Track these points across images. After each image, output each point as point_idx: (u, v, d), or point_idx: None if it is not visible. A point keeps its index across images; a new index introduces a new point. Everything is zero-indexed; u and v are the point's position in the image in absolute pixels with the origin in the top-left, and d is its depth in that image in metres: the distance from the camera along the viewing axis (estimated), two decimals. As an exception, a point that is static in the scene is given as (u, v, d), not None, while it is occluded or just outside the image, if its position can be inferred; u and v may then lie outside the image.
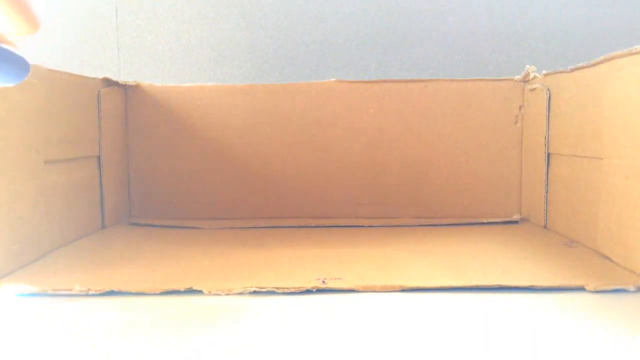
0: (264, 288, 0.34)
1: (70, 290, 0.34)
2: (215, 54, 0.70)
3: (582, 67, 0.42)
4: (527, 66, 0.53)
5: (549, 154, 0.49)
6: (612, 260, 0.38)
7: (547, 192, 0.50)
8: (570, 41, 0.69)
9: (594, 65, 0.40)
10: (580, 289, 0.34)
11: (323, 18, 0.70)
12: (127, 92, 0.56)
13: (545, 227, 0.50)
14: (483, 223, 0.54)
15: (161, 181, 0.57)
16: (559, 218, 0.48)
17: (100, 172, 0.51)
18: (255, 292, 0.34)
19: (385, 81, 0.56)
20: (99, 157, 0.51)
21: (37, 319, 0.31)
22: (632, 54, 0.35)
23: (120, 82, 0.54)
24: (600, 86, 0.39)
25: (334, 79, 0.56)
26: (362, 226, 0.54)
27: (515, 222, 0.54)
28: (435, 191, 0.56)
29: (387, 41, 0.69)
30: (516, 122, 0.55)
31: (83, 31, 0.69)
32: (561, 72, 0.46)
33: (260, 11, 0.70)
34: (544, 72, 0.51)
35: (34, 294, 0.34)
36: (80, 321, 0.30)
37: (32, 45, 0.69)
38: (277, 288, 0.34)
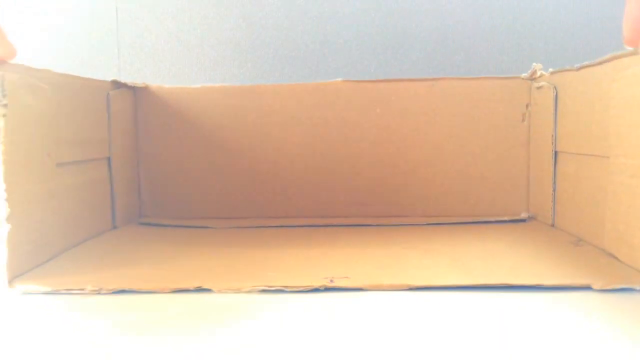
0: (273, 287, 0.35)
1: (83, 290, 0.35)
2: (216, 54, 0.70)
3: (589, 66, 0.42)
4: (534, 64, 0.53)
5: (556, 152, 0.50)
6: (618, 259, 0.38)
7: (554, 190, 0.50)
8: (570, 40, 0.69)
9: (600, 63, 0.40)
10: (587, 287, 0.34)
11: (323, 18, 0.70)
12: (136, 94, 0.57)
13: (552, 225, 0.51)
14: (490, 222, 0.54)
15: (170, 181, 0.58)
16: (566, 216, 0.48)
17: (110, 174, 0.52)
18: (264, 291, 0.35)
19: (391, 80, 0.56)
20: (109, 159, 0.52)
21: (49, 319, 0.31)
22: (637, 53, 0.35)
23: (129, 84, 0.55)
24: (606, 85, 0.39)
25: (340, 79, 0.56)
26: (370, 225, 0.54)
27: (523, 220, 0.54)
28: (442, 190, 0.56)
29: (387, 41, 0.70)
30: (523, 121, 0.55)
31: (83, 31, 0.69)
32: (568, 69, 0.46)
33: (260, 11, 0.70)
34: (551, 69, 0.51)
35: (46, 294, 0.35)
36: (90, 320, 0.31)
37: (33, 45, 0.70)
38: (286, 287, 0.35)
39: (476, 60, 0.69)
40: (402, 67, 0.68)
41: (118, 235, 0.51)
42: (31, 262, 0.38)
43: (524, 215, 0.55)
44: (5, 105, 0.35)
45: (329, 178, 0.57)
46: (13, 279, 0.36)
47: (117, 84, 0.53)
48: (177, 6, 0.70)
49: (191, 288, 0.35)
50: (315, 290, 0.35)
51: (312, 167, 0.57)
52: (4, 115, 0.35)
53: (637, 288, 0.33)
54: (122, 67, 0.70)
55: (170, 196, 0.58)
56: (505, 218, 0.54)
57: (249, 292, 0.35)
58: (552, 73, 0.50)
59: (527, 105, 0.55)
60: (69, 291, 0.35)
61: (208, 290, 0.35)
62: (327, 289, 0.35)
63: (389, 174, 0.56)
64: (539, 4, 0.69)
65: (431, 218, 0.55)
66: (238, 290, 0.35)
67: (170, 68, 0.70)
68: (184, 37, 0.70)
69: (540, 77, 0.53)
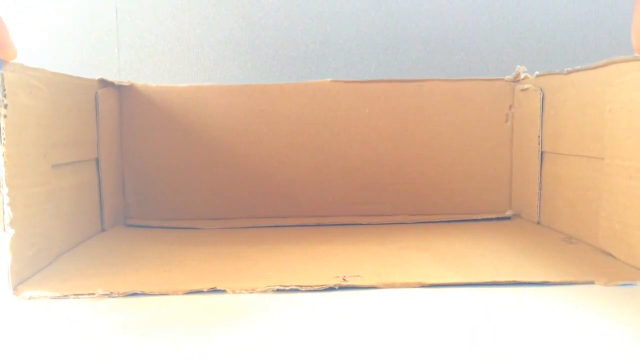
0: (288, 286, 0.35)
1: (93, 294, 0.34)
2: (215, 54, 0.70)
3: (581, 70, 0.44)
4: (518, 66, 0.55)
5: (542, 152, 0.51)
6: (614, 257, 0.40)
7: (540, 189, 0.52)
8: (570, 41, 0.70)
9: (594, 68, 0.42)
10: (590, 283, 0.35)
11: (323, 18, 0.70)
12: (121, 93, 0.56)
13: (538, 223, 0.52)
14: (477, 220, 0.55)
15: (156, 182, 0.57)
16: (553, 215, 0.50)
17: (99, 175, 0.51)
18: (278, 291, 0.35)
19: (380, 81, 0.57)
20: (97, 160, 0.51)
21: (59, 325, 0.30)
22: (637, 59, 0.37)
23: (115, 83, 0.54)
24: (601, 89, 0.41)
25: (329, 79, 0.56)
26: (361, 224, 0.55)
27: (508, 218, 0.56)
28: (429, 189, 0.57)
29: (387, 41, 0.70)
30: (506, 121, 0.57)
31: (83, 31, 0.68)
32: (557, 73, 0.48)
33: (260, 11, 0.70)
34: (537, 72, 0.52)
35: (54, 299, 0.34)
36: (99, 323, 0.30)
37: (33, 45, 0.68)
38: (301, 286, 0.35)
39: (476, 60, 0.71)
40: (402, 67, 0.69)
41: (110, 237, 0.50)
42: (34, 267, 0.37)
43: (509, 213, 0.56)
44: (5, 106, 0.34)
45: (319, 178, 0.57)
46: (18, 285, 0.35)
47: (103, 83, 0.52)
48: (177, 6, 0.70)
49: (205, 289, 0.35)
50: (330, 289, 0.35)
51: (302, 167, 0.57)
52: (5, 116, 0.34)
53: (638, 284, 0.35)
54: (122, 68, 0.69)
55: (156, 197, 0.57)
56: (491, 216, 0.56)
57: (264, 292, 0.35)
58: (538, 76, 0.52)
59: (510, 107, 0.56)
60: (77, 296, 0.34)
61: (221, 291, 0.35)
62: (341, 288, 0.35)
63: (378, 173, 0.57)
64: (539, 4, 0.70)
65: (419, 216, 0.56)
66: (252, 291, 0.35)
67: (170, 68, 0.70)
68: (184, 37, 0.70)
69: (524, 79, 0.54)
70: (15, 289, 0.34)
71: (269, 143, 0.57)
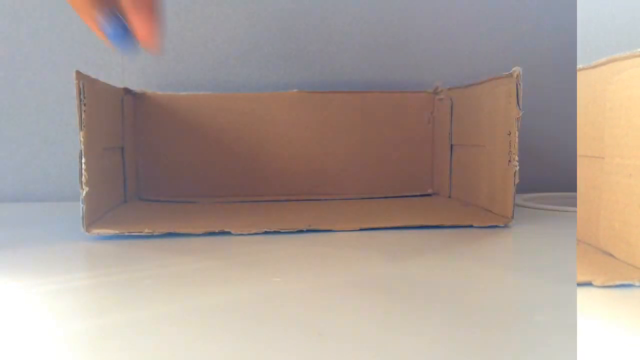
0: (272, 229, 0.52)
1: (141, 232, 0.50)
2: (219, 54, 0.72)
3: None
4: (437, 81, 0.73)
5: (452, 145, 0.70)
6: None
7: (451, 173, 0.71)
8: (569, 41, 0.74)
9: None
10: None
11: (326, 18, 0.72)
12: (136, 99, 0.71)
13: (449, 197, 0.71)
14: (407, 196, 0.74)
15: (163, 170, 0.72)
16: (459, 191, 0.69)
17: (123, 159, 0.67)
18: (266, 233, 0.52)
19: (335, 92, 0.74)
20: (122, 148, 0.67)
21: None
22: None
23: (132, 91, 0.70)
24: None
25: (295, 90, 0.70)
26: (320, 200, 0.72)
27: (429, 195, 0.75)
28: (371, 173, 0.75)
29: (388, 41, 0.74)
30: (429, 123, 0.76)
31: (88, 30, 0.69)
32: (458, 87, 0.67)
33: (264, 11, 0.72)
34: (449, 86, 0.71)
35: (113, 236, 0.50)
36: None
37: (38, 46, 0.71)
38: (281, 229, 0.52)
39: (476, 61, 0.74)
40: (406, 67, 0.75)
41: (135, 205, 0.66)
42: (95, 216, 0.53)
43: (430, 191, 0.75)
44: (85, 104, 0.51)
45: (291, 166, 0.74)
46: (88, 225, 0.50)
47: (126, 90, 0.68)
48: (181, 5, 0.72)
49: (216, 231, 0.51)
50: (300, 231, 0.53)
51: (279, 157, 0.73)
52: (85, 111, 0.50)
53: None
54: (126, 67, 0.72)
55: (162, 181, 0.73)
56: (416, 193, 0.75)
57: (255, 233, 0.51)
58: (449, 89, 0.71)
59: (431, 112, 0.75)
60: (131, 233, 0.50)
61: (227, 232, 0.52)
62: (309, 231, 0.53)
63: (333, 162, 0.74)
64: (538, 6, 0.74)
65: (363, 194, 0.75)
66: (249, 232, 0.51)
67: (174, 67, 0.73)
68: (187, 37, 0.72)
69: (441, 91, 0.73)
70: (87, 228, 0.49)
71: (252, 139, 0.72)
